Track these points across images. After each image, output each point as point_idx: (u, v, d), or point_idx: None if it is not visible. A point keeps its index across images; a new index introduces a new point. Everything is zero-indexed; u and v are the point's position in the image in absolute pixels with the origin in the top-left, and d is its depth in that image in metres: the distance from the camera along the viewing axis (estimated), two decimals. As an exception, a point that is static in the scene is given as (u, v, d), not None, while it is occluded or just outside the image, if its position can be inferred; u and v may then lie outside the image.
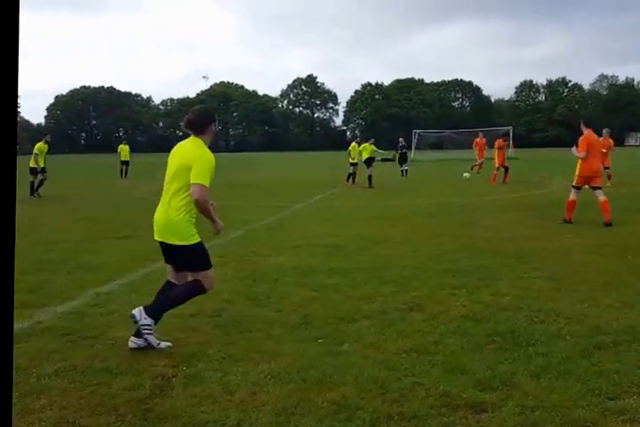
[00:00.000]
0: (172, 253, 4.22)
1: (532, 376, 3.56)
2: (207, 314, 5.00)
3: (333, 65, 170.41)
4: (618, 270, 6.39)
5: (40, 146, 17.02)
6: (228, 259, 7.31)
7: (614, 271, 6.35)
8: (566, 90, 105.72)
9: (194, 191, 3.99)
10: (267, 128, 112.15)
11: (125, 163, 26.99)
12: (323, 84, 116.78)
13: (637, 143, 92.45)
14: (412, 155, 41.15)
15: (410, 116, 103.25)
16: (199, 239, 4.18)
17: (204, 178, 4.02)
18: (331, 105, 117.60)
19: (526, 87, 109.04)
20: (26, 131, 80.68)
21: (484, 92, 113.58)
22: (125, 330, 4.35)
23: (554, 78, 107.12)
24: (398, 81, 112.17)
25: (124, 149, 27.33)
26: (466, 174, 22.66)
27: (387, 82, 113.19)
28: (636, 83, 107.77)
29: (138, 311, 4.10)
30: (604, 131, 17.37)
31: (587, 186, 10.34)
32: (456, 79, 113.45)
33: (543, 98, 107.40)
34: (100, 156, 67.22)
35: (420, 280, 6.08)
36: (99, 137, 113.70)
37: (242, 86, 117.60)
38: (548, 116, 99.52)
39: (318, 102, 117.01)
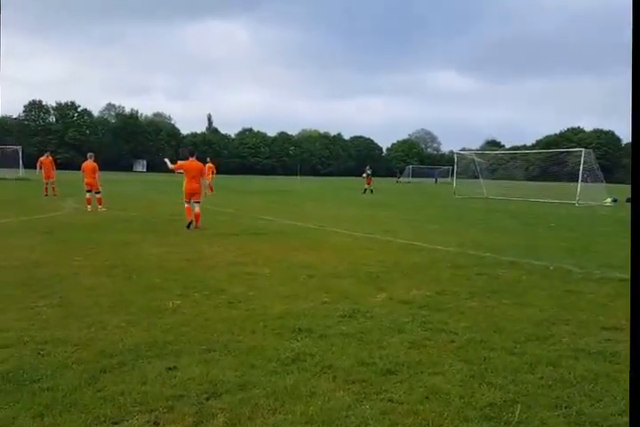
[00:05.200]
0: None
1: (35, 417, 3.32)
2: None
3: None
4: (124, 290, 6.64)
5: None
6: None
7: (121, 292, 6.57)
8: (76, 114, 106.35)
9: None
10: None
11: None
12: None
13: (144, 169, 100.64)
14: None
15: None
16: None
17: None
18: None
19: (35, 107, 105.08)
20: None
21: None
22: None
23: (63, 101, 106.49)
24: None
25: None
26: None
27: None
28: (140, 114, 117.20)
29: None
30: (89, 155, 18.86)
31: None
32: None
33: (54, 120, 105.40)
34: None
35: None
36: None
37: None
38: (60, 137, 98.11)
39: None
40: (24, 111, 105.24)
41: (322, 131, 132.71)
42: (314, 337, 4.90)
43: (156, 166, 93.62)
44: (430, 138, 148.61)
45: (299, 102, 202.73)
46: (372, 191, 35.47)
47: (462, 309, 6.04)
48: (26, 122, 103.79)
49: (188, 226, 13.25)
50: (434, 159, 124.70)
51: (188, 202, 13.63)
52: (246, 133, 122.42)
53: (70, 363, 4.20)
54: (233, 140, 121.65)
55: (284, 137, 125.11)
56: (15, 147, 46.30)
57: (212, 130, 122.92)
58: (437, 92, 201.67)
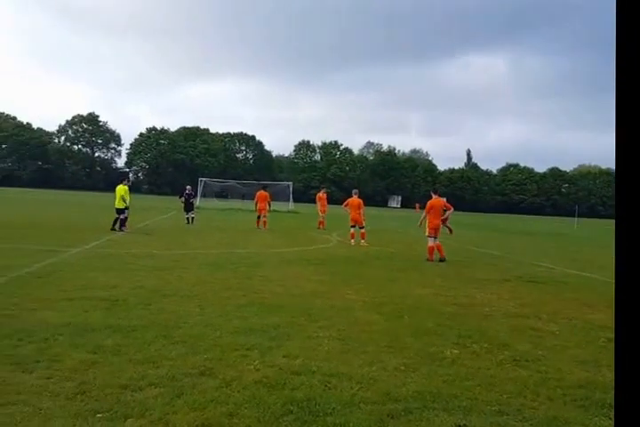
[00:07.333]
0: None
1: (331, 453, 3.35)
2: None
3: (113, 105, 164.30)
4: (398, 331, 6.58)
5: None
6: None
7: (395, 332, 6.53)
8: (338, 153, 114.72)
9: None
10: (40, 164, 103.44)
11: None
12: (106, 122, 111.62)
13: (397, 205, 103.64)
14: (197, 202, 40.83)
15: (195, 163, 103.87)
16: None
17: None
18: (113, 145, 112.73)
19: (304, 146, 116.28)
20: None
21: (266, 148, 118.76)
22: None
23: (327, 141, 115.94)
24: (185, 128, 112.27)
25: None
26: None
27: (173, 128, 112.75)
28: (397, 151, 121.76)
29: None
30: (354, 191, 19.42)
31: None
32: (241, 132, 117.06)
33: (319, 158, 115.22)
34: None
35: (210, 340, 5.66)
36: None
37: (14, 117, 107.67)
38: (323, 174, 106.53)
39: (100, 142, 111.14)
40: (294, 150, 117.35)
41: (603, 166, 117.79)
42: (627, 417, 4.19)
43: (409, 203, 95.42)
44: None
45: (573, 135, 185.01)
46: None
47: None
48: (295, 160, 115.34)
49: (439, 260, 14.27)
50: None
51: (434, 238, 14.52)
52: (510, 169, 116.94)
53: (357, 401, 4.21)
54: (495, 176, 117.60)
55: (555, 173, 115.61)
56: (287, 182, 51.89)
57: (471, 165, 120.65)
58: None
